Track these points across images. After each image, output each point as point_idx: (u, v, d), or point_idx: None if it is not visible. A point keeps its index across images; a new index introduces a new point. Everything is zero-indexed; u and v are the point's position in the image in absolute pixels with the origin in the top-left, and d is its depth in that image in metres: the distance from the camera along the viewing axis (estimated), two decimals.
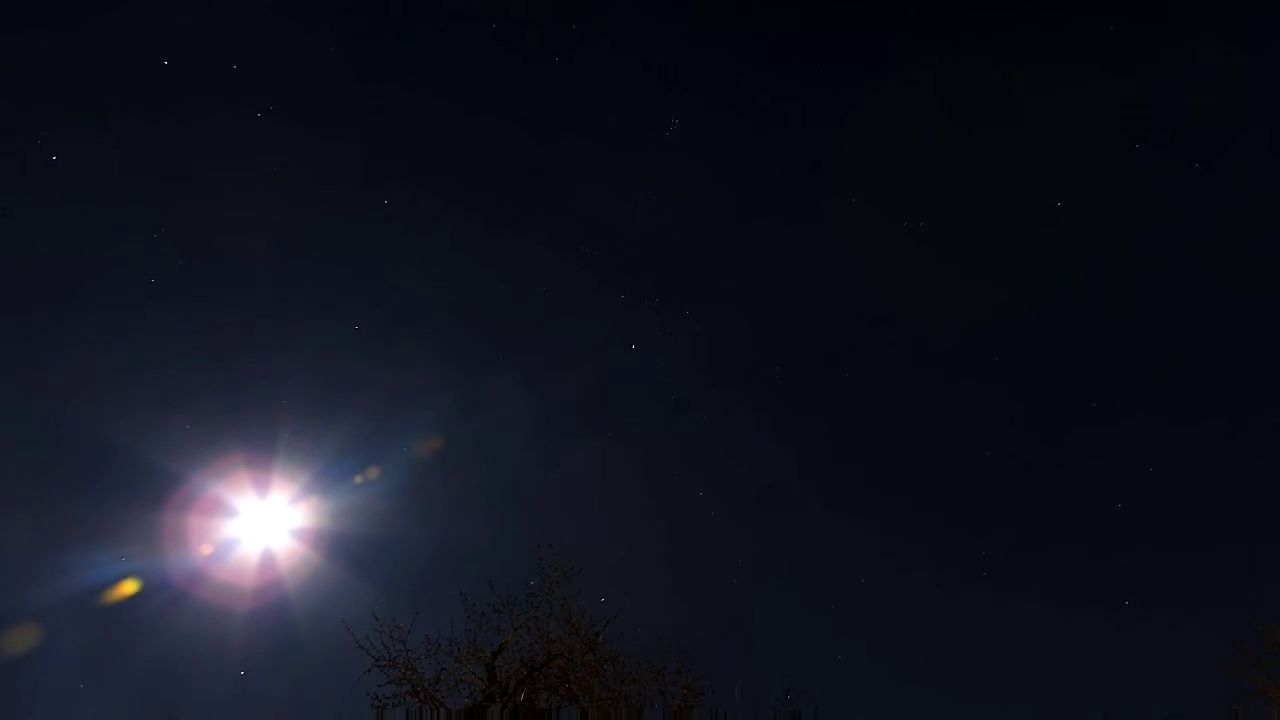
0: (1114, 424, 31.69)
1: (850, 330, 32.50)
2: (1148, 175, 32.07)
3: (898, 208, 31.60)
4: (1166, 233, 32.23)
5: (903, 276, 31.70)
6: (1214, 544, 29.57)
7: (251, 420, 28.67)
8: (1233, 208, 32.06)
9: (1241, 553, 29.19)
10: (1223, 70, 31.83)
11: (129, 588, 26.99)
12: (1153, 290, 32.35)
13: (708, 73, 32.80)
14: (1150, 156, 32.03)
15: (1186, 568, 29.21)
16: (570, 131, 32.70)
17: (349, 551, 27.23)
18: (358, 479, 28.11)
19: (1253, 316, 31.83)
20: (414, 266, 31.99)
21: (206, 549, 27.31)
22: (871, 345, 32.45)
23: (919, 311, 31.51)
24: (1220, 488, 30.42)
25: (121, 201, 30.00)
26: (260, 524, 27.40)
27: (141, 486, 27.50)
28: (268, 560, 27.41)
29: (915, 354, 32.57)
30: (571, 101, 32.52)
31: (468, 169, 32.46)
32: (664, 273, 32.89)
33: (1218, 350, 32.05)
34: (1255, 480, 29.98)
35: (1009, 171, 31.37)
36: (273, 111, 30.17)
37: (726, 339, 33.02)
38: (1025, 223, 31.78)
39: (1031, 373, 32.95)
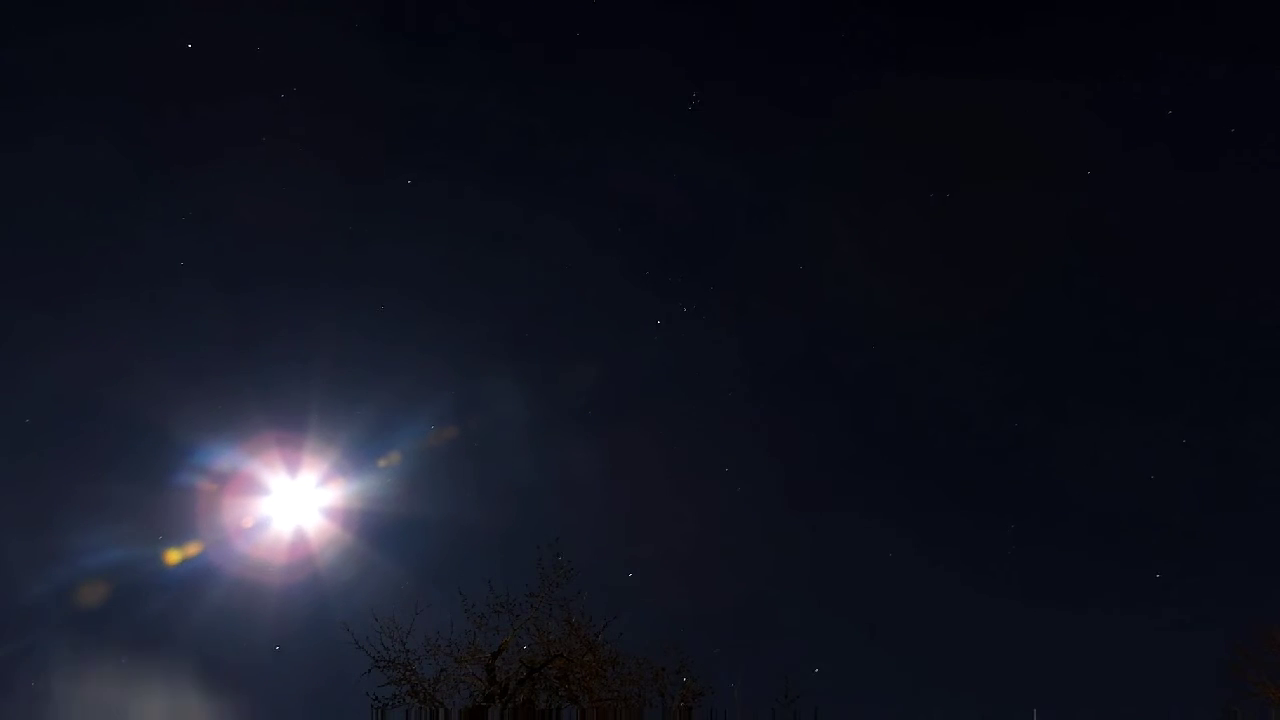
0: (1118, 422, 30.85)
1: (868, 322, 31.70)
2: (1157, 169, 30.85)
3: (913, 202, 30.72)
4: (1175, 228, 31.08)
5: (920, 268, 30.83)
6: (1215, 543, 28.87)
7: (282, 400, 29.13)
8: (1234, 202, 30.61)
9: (1242, 552, 28.47)
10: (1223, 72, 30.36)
11: (172, 558, 28.04)
12: (1158, 290, 31.29)
13: (728, 57, 31.97)
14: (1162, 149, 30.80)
15: (1186, 567, 28.54)
16: (591, 114, 32.18)
17: (377, 531, 27.81)
18: (381, 462, 28.50)
19: (1255, 316, 30.56)
20: (437, 248, 31.97)
21: (246, 523, 28.14)
22: (890, 337, 31.66)
23: (936, 303, 30.64)
24: (1222, 486, 29.62)
25: (149, 186, 30.48)
26: (291, 502, 28.09)
27: (175, 466, 28.23)
28: (299, 538, 28.12)
29: (929, 348, 31.73)
30: (592, 83, 31.95)
31: (489, 151, 32.13)
32: (688, 256, 32.37)
33: (1224, 348, 30.93)
34: (1259, 479, 29.10)
35: (1021, 165, 30.14)
36: (296, 94, 30.26)
37: (745, 326, 32.50)
38: (1040, 216, 30.57)
39: (1043, 368, 32.18)
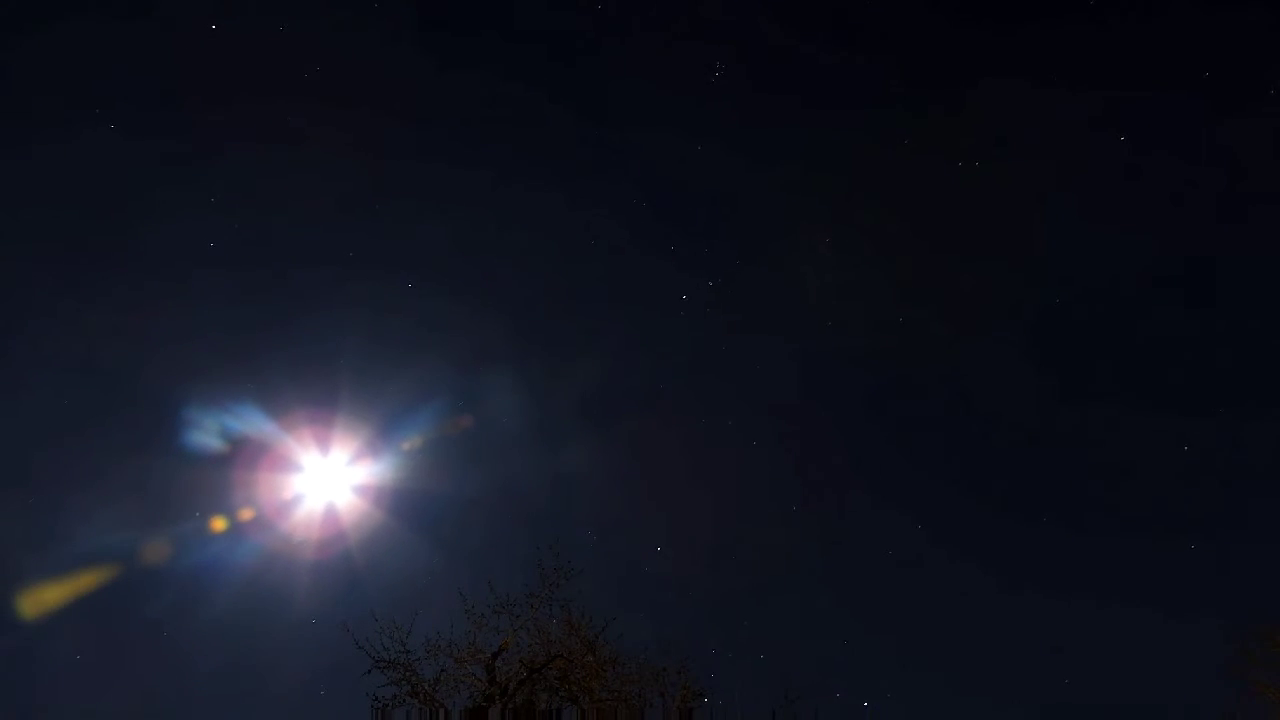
0: (1142, 416, 29.70)
1: (890, 308, 30.71)
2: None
3: (947, 185, 29.47)
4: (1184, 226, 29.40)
5: (946, 255, 29.70)
6: (1217, 541, 27.74)
7: (313, 380, 29.54)
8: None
9: (1245, 550, 27.32)
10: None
11: (218, 524, 28.91)
12: (1167, 292, 30.19)
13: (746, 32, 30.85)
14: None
15: (1189, 564, 27.52)
16: (617, 97, 31.46)
17: (408, 509, 28.27)
18: (405, 445, 28.79)
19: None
20: (463, 228, 31.83)
21: (285, 495, 28.81)
22: (910, 325, 30.65)
23: (961, 291, 29.57)
24: (1225, 483, 28.33)
25: (178, 168, 30.72)
26: (324, 480, 28.63)
27: (208, 444, 28.86)
28: (331, 514, 28.71)
29: (950, 337, 30.62)
30: (614, 66, 31.20)
31: (516, 132, 31.69)
32: (710, 238, 31.72)
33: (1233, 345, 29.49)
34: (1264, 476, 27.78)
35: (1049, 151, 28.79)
36: (320, 75, 30.07)
37: (766, 312, 31.82)
38: (1059, 211, 29.11)
39: (1066, 360, 31.06)
